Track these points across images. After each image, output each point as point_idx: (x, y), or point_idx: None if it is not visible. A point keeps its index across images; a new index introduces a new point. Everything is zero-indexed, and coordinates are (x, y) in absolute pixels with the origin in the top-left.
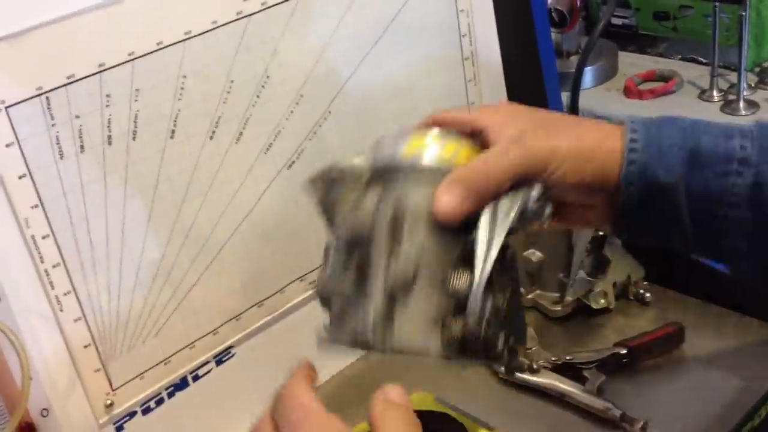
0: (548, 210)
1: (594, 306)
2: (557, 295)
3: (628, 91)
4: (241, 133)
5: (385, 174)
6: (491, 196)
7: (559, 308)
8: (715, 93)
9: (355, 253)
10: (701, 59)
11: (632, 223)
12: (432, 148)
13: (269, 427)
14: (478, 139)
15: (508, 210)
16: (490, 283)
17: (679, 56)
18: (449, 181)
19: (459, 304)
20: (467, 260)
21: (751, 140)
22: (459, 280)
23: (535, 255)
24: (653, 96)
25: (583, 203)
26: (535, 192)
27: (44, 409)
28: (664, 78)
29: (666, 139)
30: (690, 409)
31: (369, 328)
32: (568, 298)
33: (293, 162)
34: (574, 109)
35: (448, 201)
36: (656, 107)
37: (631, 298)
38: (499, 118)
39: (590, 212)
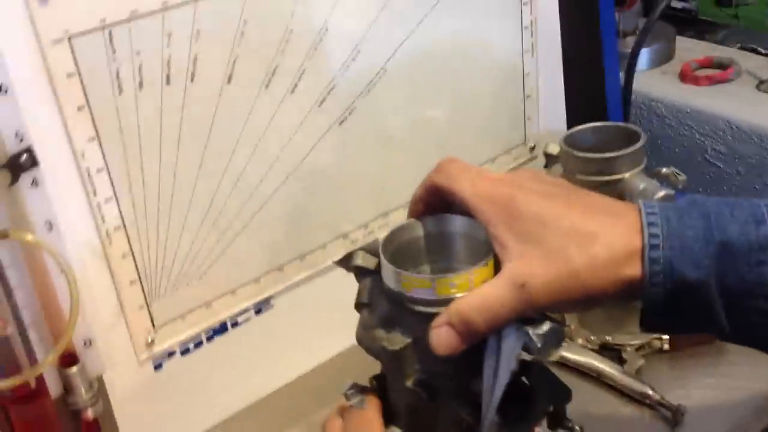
0: (557, 346)
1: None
2: None
3: (684, 76)
4: (296, 85)
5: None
6: (491, 331)
7: None
8: None
9: None
10: (761, 49)
11: (659, 322)
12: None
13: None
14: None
15: (512, 348)
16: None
17: (739, 45)
18: (444, 317)
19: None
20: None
21: None
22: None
23: None
24: (709, 83)
25: None
26: (540, 331)
27: (87, 340)
28: (722, 65)
29: (689, 231)
30: (727, 400)
31: None
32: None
33: (345, 119)
34: (627, 89)
35: (443, 338)
36: (712, 94)
37: None
38: (494, 213)
39: None
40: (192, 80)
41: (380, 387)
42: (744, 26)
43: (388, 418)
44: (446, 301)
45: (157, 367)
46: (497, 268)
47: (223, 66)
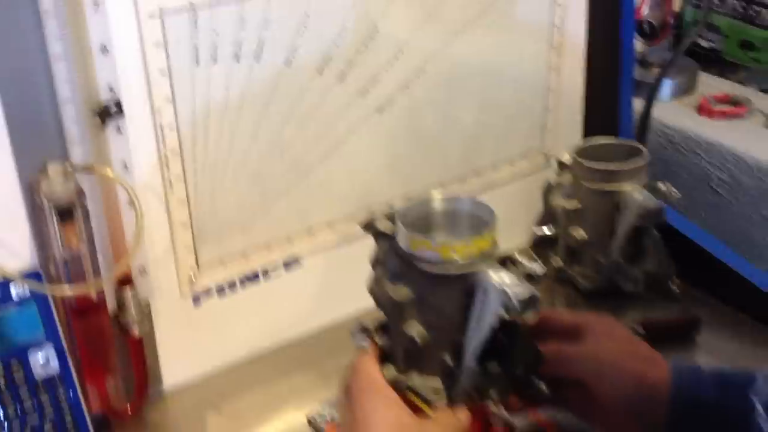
0: (534, 309)
1: (624, 288)
2: (592, 273)
3: (701, 109)
4: (345, 75)
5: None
6: None
7: (591, 285)
8: None
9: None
10: None
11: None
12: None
13: (342, 395)
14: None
15: (494, 306)
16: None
17: (758, 87)
18: None
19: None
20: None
21: None
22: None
23: (578, 233)
24: (723, 117)
25: None
26: (521, 296)
27: (142, 267)
28: (737, 102)
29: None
30: None
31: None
32: (602, 278)
33: (384, 109)
34: (646, 115)
35: None
36: (724, 128)
37: (660, 289)
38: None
39: None
40: (257, 61)
41: (382, 331)
42: (765, 68)
43: (385, 359)
44: (448, 264)
45: (196, 302)
46: (494, 241)
47: (284, 51)
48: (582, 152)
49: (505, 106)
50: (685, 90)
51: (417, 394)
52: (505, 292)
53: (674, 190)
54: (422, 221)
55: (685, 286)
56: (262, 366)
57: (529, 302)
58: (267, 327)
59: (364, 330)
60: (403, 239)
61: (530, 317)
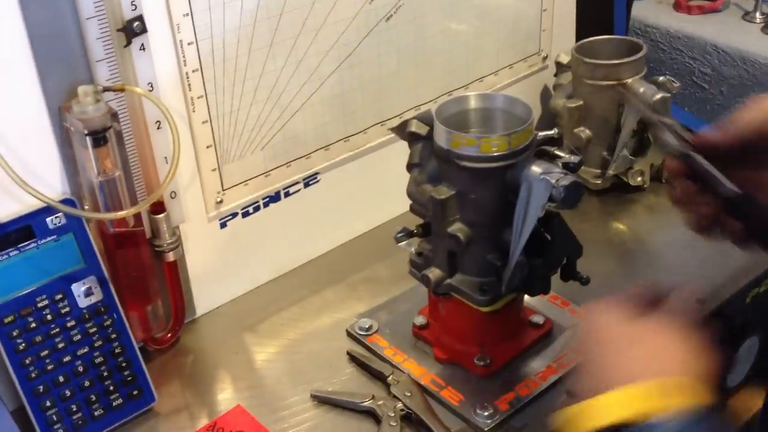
0: (577, 199)
1: (631, 183)
2: (599, 170)
3: (678, 6)
4: None
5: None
6: None
7: (599, 182)
8: (758, 15)
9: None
10: None
11: None
12: None
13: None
14: None
15: (540, 197)
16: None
17: None
18: None
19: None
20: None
21: None
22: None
23: (584, 132)
24: (700, 12)
25: None
26: (564, 182)
27: (173, 192)
28: None
29: None
30: (701, 273)
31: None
32: (609, 173)
33: (391, 15)
34: (627, 14)
35: None
36: (702, 22)
37: (664, 181)
38: None
39: None
40: None
41: (425, 233)
42: None
43: (428, 263)
44: (488, 159)
45: (223, 225)
46: (533, 134)
47: None
48: (581, 50)
49: (503, 9)
50: None
51: (463, 293)
52: (549, 182)
53: (674, 80)
54: (458, 119)
55: None
56: (290, 284)
57: (574, 189)
58: (292, 245)
59: (407, 233)
60: (442, 137)
61: (574, 205)
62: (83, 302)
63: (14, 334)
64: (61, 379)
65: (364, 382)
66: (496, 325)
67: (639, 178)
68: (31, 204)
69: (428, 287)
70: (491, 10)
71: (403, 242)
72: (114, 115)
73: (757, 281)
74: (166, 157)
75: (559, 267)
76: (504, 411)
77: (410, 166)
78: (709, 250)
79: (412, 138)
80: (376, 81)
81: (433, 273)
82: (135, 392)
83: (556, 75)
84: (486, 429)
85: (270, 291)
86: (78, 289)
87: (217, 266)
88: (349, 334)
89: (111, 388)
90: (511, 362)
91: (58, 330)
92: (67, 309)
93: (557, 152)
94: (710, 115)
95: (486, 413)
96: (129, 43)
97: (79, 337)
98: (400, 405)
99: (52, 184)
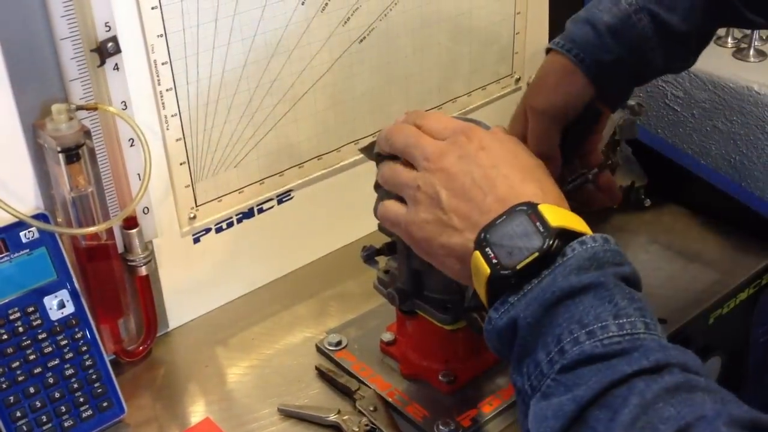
0: None
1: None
2: (565, 188)
3: None
4: (326, 4)
5: None
6: None
7: (569, 202)
8: (729, 40)
9: None
10: None
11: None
12: None
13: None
14: None
15: None
16: None
17: None
18: None
19: None
20: None
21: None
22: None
23: None
24: None
25: None
26: None
27: (146, 207)
28: None
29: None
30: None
31: None
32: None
33: (364, 37)
34: None
35: None
36: None
37: (632, 201)
38: None
39: None
40: None
41: (390, 251)
42: None
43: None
44: None
45: (196, 240)
46: None
47: None
48: None
49: (476, 32)
50: None
51: (427, 310)
52: None
53: (642, 103)
54: None
55: (656, 199)
56: (262, 299)
57: None
58: (264, 262)
59: (372, 251)
60: None
61: None
62: (55, 315)
63: None
64: (31, 390)
65: (331, 396)
66: (460, 342)
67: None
68: (4, 218)
69: (394, 304)
70: (464, 32)
71: (369, 261)
72: (87, 133)
73: (719, 303)
74: (139, 174)
75: None
76: (466, 427)
77: (377, 186)
78: (674, 270)
79: (378, 158)
80: (349, 101)
81: (399, 291)
82: (105, 404)
83: None
84: None
85: (242, 306)
86: (50, 302)
87: (190, 281)
88: (319, 349)
89: (81, 399)
90: (476, 379)
91: (29, 342)
92: (39, 321)
93: None
94: (681, 137)
95: (447, 429)
96: (103, 63)
97: (50, 349)
98: (365, 420)
99: (25, 199)
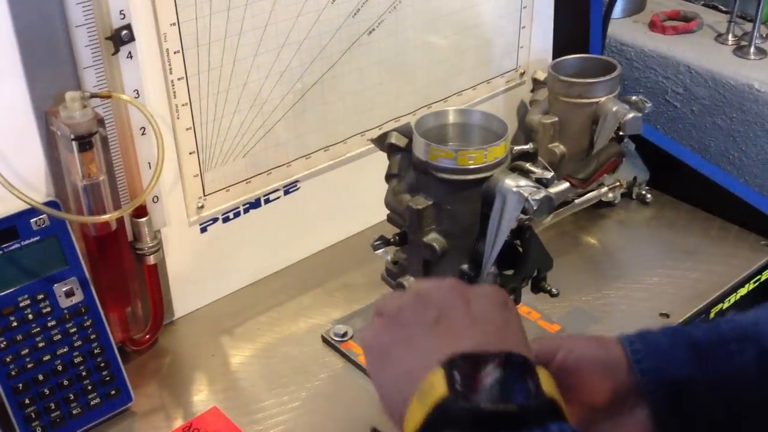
0: (549, 212)
1: (602, 199)
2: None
3: (653, 25)
4: None
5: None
6: None
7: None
8: (730, 37)
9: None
10: (722, 7)
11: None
12: None
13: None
14: None
15: (513, 208)
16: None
17: (702, 2)
18: None
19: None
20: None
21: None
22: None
23: (558, 148)
24: (674, 32)
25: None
26: (537, 197)
27: (155, 196)
28: (687, 18)
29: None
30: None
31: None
32: (580, 189)
33: (373, 29)
34: (604, 32)
35: None
36: (676, 42)
37: (634, 197)
38: None
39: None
40: None
41: (401, 242)
42: None
43: (404, 271)
44: (464, 171)
45: (203, 230)
46: (508, 149)
47: None
48: (557, 68)
49: (482, 26)
50: (636, 8)
51: None
52: (522, 195)
53: (646, 100)
54: (437, 132)
55: (657, 194)
56: (268, 289)
57: (546, 203)
58: (270, 251)
59: (384, 241)
60: (421, 149)
61: (545, 219)
62: (64, 303)
63: None
64: (40, 377)
65: (336, 387)
66: None
67: (610, 194)
68: (16, 205)
69: None
70: (470, 27)
71: (380, 250)
72: (100, 121)
73: (720, 298)
74: (149, 163)
75: (530, 279)
76: None
77: (389, 177)
78: (676, 265)
79: (391, 149)
80: (357, 92)
81: (408, 281)
82: (113, 392)
83: (532, 91)
84: None
85: (248, 295)
86: (60, 289)
87: (197, 270)
88: (324, 340)
89: (89, 387)
90: None
91: (38, 329)
92: (49, 309)
93: (531, 168)
94: (681, 133)
95: None
96: (117, 51)
97: (59, 336)
98: None
99: (37, 186)
